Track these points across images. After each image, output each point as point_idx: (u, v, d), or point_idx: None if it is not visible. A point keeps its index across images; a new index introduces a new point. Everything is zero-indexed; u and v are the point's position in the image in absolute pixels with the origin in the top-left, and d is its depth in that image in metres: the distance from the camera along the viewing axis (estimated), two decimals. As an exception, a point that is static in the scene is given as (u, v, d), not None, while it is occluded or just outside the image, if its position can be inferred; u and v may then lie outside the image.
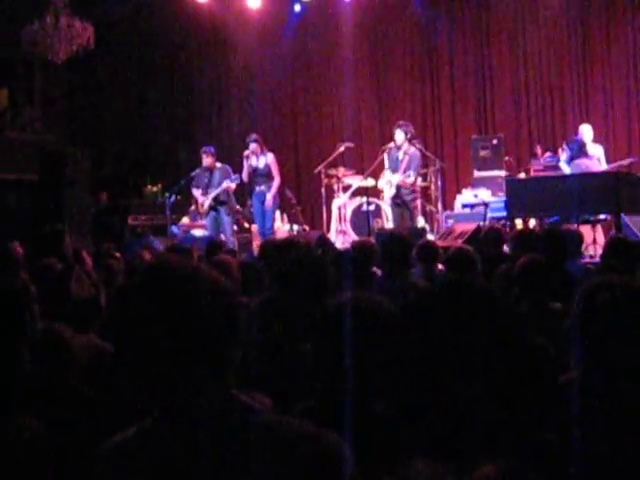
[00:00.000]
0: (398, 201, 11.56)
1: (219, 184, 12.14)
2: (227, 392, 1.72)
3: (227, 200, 12.25)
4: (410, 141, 11.64)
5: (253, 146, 12.15)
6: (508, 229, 9.89)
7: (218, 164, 12.37)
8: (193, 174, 12.46)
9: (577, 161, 11.74)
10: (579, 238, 6.45)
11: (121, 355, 1.73)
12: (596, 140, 12.19)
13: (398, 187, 11.46)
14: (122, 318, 1.73)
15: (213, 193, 12.15)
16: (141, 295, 1.70)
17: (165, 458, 1.69)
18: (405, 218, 11.52)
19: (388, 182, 11.67)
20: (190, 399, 1.68)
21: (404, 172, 11.41)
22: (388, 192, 11.69)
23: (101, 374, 2.81)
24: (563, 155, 12.62)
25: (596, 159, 11.92)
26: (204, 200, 12.22)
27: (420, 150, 11.91)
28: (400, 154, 11.57)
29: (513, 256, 5.95)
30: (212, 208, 12.19)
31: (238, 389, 1.77)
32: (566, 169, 12.42)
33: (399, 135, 11.60)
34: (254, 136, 12.33)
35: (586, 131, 12.25)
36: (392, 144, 11.79)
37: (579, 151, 11.81)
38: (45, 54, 12.96)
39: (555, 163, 13.14)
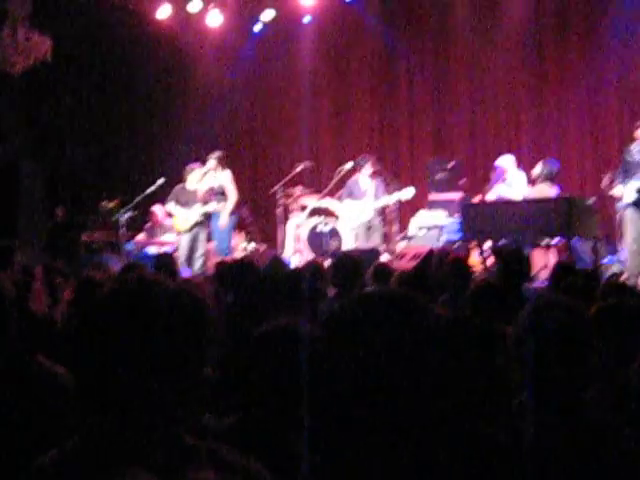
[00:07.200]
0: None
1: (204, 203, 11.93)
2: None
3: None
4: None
5: (212, 164, 12.09)
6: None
7: None
8: (175, 189, 12.21)
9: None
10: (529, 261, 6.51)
11: (84, 363, 1.74)
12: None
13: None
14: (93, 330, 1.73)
15: (204, 209, 11.90)
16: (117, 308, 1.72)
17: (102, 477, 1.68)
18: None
19: None
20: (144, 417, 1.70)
21: None
22: None
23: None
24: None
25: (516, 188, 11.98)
26: (188, 214, 11.93)
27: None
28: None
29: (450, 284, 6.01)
30: (198, 224, 11.94)
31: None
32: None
33: None
34: (217, 153, 12.23)
35: (510, 161, 12.37)
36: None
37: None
38: (1, 66, 12.83)
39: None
